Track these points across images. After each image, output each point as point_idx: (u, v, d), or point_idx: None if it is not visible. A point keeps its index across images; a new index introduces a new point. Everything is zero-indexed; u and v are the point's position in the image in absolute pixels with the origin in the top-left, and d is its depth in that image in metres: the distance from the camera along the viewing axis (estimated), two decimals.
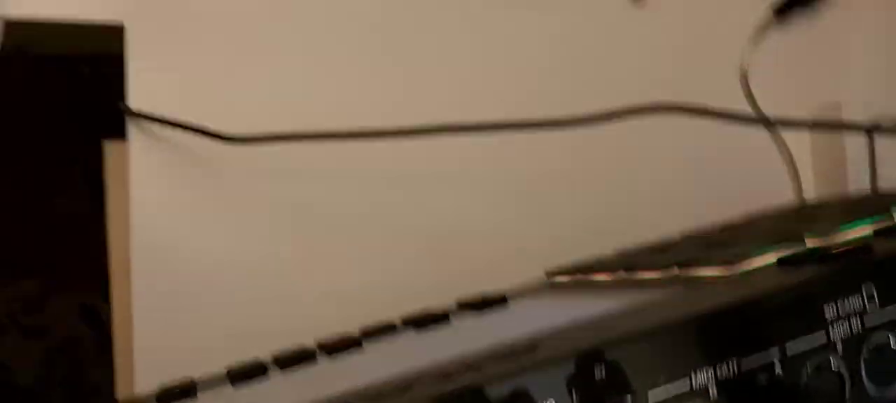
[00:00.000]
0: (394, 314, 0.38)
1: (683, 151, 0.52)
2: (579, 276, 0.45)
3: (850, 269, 0.29)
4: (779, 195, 0.54)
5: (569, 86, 0.40)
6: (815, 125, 0.34)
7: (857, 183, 0.55)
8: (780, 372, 0.28)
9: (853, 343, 0.29)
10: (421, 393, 0.24)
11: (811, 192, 0.56)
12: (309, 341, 0.36)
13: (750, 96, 0.54)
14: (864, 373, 0.29)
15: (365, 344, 0.36)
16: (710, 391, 0.27)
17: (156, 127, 0.41)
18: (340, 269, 0.42)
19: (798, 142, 0.57)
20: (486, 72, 0.45)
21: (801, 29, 0.56)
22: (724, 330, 0.27)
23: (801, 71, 0.57)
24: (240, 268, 0.41)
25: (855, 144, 0.55)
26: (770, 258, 0.33)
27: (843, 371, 0.29)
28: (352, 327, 0.37)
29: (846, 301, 0.29)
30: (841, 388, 0.29)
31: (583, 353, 0.25)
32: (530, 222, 0.45)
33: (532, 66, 0.45)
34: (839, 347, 0.29)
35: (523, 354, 0.26)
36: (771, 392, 0.27)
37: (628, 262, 0.42)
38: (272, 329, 0.35)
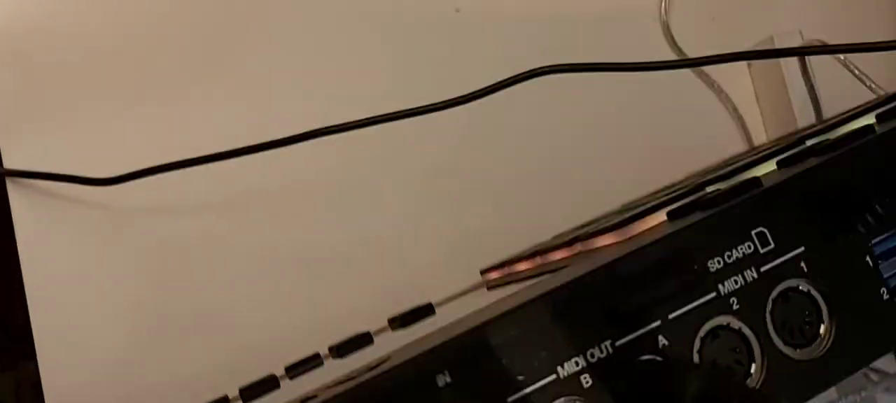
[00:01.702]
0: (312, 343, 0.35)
1: (621, 116, 0.48)
2: (506, 269, 0.42)
3: (733, 212, 0.26)
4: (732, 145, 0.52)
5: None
6: (735, 57, 0.31)
7: (806, 117, 0.51)
8: (667, 344, 0.24)
9: (751, 297, 0.25)
10: None
11: (762, 136, 0.53)
12: (226, 388, 0.33)
13: (674, 46, 0.50)
14: (772, 329, 0.26)
15: (286, 383, 0.33)
16: (583, 380, 0.23)
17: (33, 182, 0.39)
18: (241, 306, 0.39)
19: (740, 89, 0.54)
20: (348, 74, 0.42)
21: None
22: (585, 310, 0.24)
23: (726, 14, 0.53)
24: (132, 308, 0.39)
25: (797, 81, 0.52)
26: (661, 216, 0.29)
27: (746, 330, 0.25)
28: (261, 364, 0.34)
29: (734, 249, 0.26)
30: (747, 351, 0.25)
31: (418, 362, 0.22)
32: (448, 219, 0.42)
33: (410, 55, 0.42)
34: (735, 303, 0.25)
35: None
36: (660, 369, 0.23)
37: (545, 245, 0.39)
38: (180, 370, 0.31)
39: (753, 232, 0.26)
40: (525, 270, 0.39)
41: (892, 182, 0.27)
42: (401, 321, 0.37)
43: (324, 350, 0.34)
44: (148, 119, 0.41)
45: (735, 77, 0.54)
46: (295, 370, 0.34)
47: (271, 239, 0.39)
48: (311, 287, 0.37)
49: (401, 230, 0.41)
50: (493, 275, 0.42)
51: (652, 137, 0.49)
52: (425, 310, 0.38)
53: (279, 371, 0.32)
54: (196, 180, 0.39)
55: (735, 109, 0.52)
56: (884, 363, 0.43)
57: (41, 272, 0.39)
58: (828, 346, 0.26)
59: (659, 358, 0.24)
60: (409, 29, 0.44)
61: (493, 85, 0.34)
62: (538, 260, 0.38)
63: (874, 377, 0.42)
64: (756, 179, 0.27)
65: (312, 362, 0.35)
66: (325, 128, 0.36)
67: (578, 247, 0.33)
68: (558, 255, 0.35)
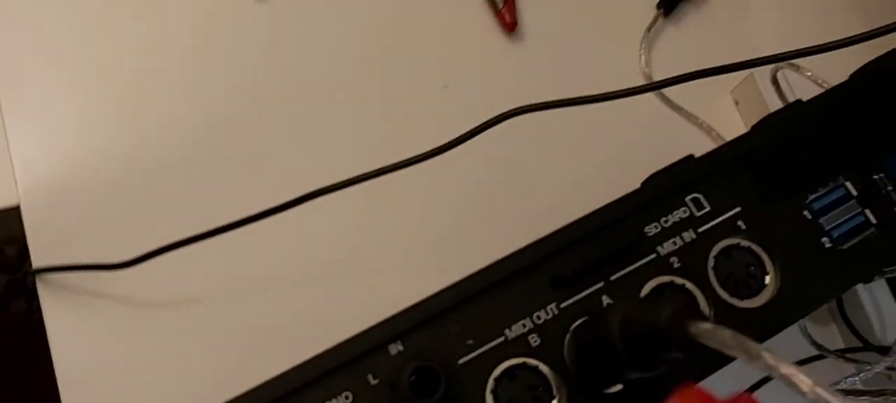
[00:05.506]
0: None
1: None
2: None
3: (664, 182, 0.28)
4: None
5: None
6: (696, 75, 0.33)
7: None
8: (612, 302, 0.26)
9: (691, 255, 0.27)
10: None
11: None
12: None
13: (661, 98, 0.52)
14: (715, 283, 0.27)
15: None
16: (530, 340, 0.25)
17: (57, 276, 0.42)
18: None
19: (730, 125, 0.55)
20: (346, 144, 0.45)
21: (692, 21, 0.55)
22: (528, 277, 0.25)
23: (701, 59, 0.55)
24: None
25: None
26: None
27: (690, 286, 0.27)
28: None
29: (669, 214, 0.27)
30: (693, 303, 0.26)
31: (371, 334, 0.24)
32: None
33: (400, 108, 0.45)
34: (676, 262, 0.27)
35: None
36: (606, 324, 0.25)
37: None
38: None
39: (687, 198, 0.28)
40: None
41: (821, 144, 0.29)
42: None
43: None
44: (167, 202, 0.44)
45: (722, 112, 0.55)
46: None
47: (294, 309, 0.41)
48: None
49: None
50: None
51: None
52: None
53: None
54: (214, 255, 0.41)
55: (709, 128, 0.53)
56: None
57: (72, 368, 0.40)
58: (774, 294, 0.27)
59: None
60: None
61: (467, 132, 0.36)
62: None
63: None
64: (690, 156, 0.29)
65: None
66: (324, 187, 0.38)
67: None
68: None
